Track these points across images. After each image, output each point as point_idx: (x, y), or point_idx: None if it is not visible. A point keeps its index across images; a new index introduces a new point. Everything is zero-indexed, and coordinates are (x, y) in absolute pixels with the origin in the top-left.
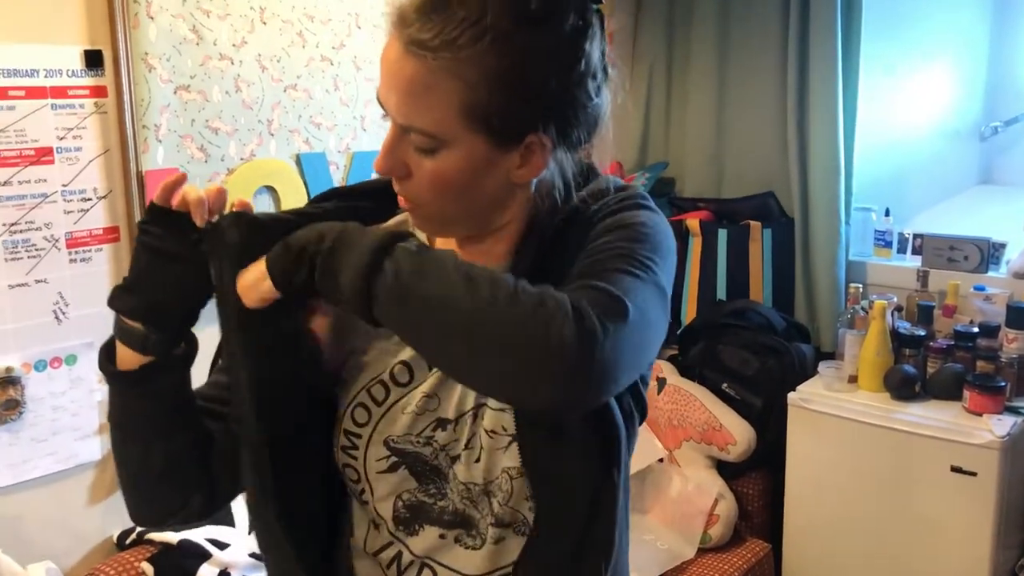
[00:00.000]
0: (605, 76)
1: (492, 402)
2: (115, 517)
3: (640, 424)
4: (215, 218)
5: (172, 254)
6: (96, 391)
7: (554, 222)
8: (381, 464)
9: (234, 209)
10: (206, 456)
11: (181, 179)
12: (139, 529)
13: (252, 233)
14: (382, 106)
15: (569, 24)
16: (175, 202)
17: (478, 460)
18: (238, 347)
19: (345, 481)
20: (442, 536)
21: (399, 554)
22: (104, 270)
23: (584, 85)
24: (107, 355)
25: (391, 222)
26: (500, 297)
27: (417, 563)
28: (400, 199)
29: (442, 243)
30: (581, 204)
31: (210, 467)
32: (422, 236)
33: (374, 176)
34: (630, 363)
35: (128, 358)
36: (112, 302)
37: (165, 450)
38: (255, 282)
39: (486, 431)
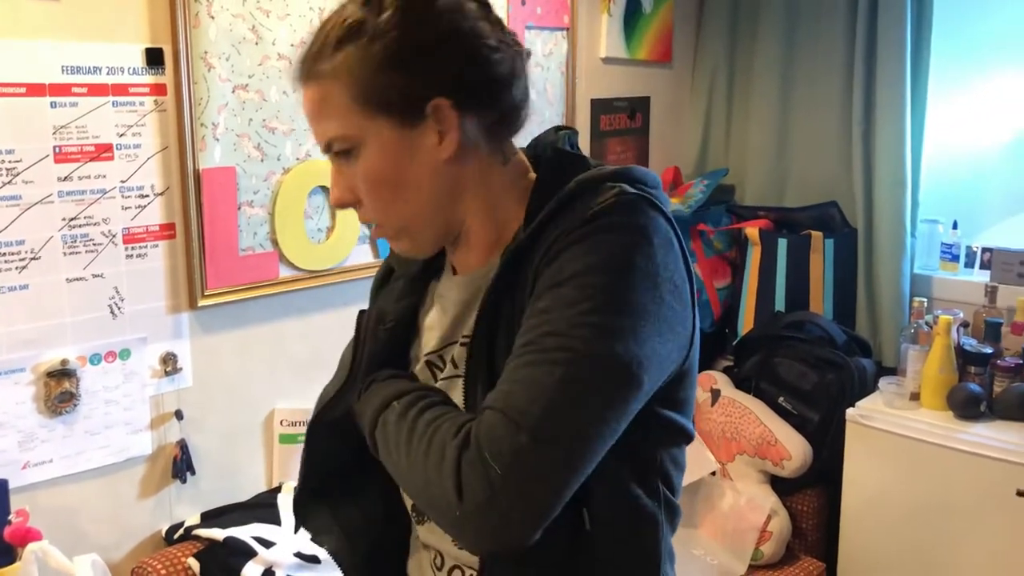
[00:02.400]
0: (499, 39)
1: None
2: (164, 511)
3: (685, 446)
4: None
5: None
6: (148, 386)
7: (522, 236)
8: None
9: None
10: None
11: None
12: (187, 524)
13: None
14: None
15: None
16: None
17: None
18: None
19: None
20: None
21: (417, 536)
22: (159, 266)
23: (466, 44)
24: None
25: None
26: (419, 457)
27: (432, 549)
28: (373, 232)
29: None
30: (557, 206)
31: None
32: (447, 267)
33: None
34: (539, 490)
35: None
36: None
37: None
38: None
39: None
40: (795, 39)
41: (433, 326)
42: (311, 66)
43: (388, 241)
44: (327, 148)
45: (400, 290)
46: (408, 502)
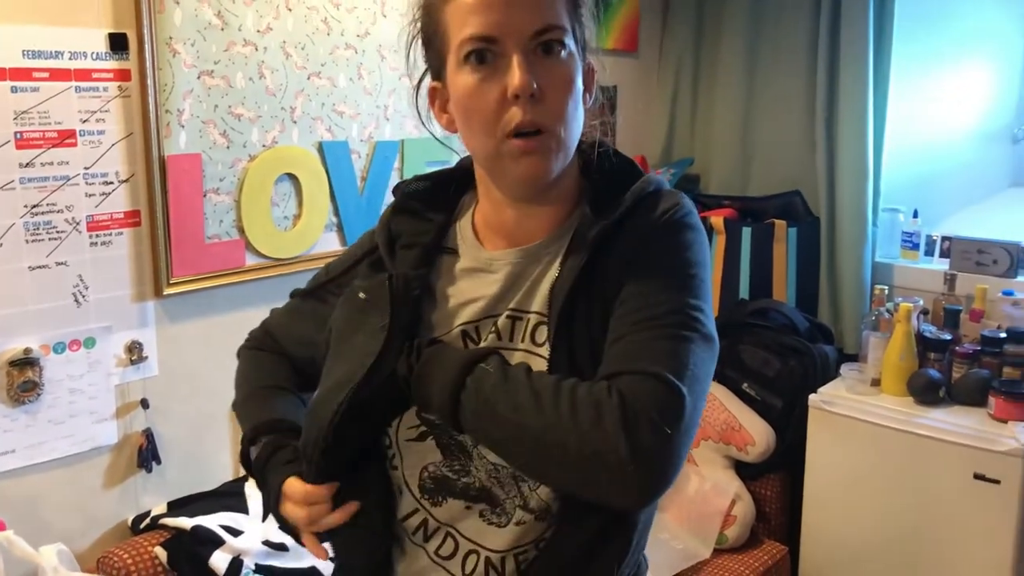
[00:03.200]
0: None
1: None
2: (130, 501)
3: None
4: None
5: None
6: (113, 375)
7: (606, 223)
8: (411, 432)
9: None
10: None
11: None
12: (153, 513)
13: None
14: (486, 43)
15: None
16: None
17: None
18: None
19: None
20: (467, 507)
21: (425, 521)
22: (124, 254)
23: None
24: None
25: (462, 221)
26: (563, 416)
27: (442, 530)
28: (517, 145)
29: (487, 230)
30: (631, 205)
31: None
32: (467, 241)
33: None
34: (689, 442)
35: None
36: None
37: None
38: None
39: None
40: (759, 30)
41: (466, 297)
42: None
43: (535, 156)
44: (539, 33)
45: (416, 258)
46: (414, 485)
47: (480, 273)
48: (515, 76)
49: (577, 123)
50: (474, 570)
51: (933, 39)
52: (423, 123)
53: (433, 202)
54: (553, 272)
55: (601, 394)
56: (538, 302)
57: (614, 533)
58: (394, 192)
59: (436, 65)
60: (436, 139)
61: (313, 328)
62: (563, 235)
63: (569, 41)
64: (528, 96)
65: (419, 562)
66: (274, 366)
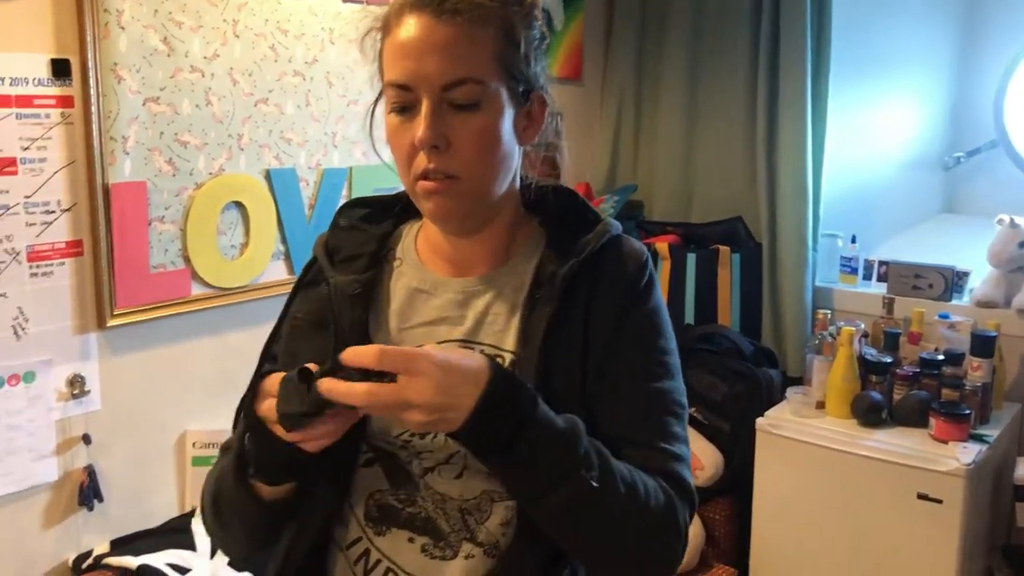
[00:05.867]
0: None
1: None
2: (71, 540)
3: None
4: None
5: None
6: (54, 410)
7: (575, 260)
8: (359, 459)
9: None
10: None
11: None
12: (96, 553)
13: None
14: (403, 90)
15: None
16: None
17: (459, 476)
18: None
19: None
20: (411, 540)
21: (367, 551)
22: (66, 284)
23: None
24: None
25: (406, 239)
26: (650, 510)
27: (383, 564)
28: (423, 186)
29: (431, 253)
30: (598, 248)
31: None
32: (409, 259)
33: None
34: None
35: (270, 490)
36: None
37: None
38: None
39: None
40: (700, 58)
41: (412, 318)
42: (470, 3)
43: (440, 192)
44: (447, 87)
45: (361, 267)
46: (360, 512)
47: (422, 294)
48: (418, 128)
49: (496, 168)
50: None
51: (869, 70)
52: (374, 149)
53: (374, 220)
54: (501, 308)
55: (665, 489)
56: (491, 336)
57: (560, 564)
58: (337, 213)
59: None
60: (387, 166)
61: None
62: (509, 272)
63: (493, 87)
64: (431, 147)
65: None
66: None
